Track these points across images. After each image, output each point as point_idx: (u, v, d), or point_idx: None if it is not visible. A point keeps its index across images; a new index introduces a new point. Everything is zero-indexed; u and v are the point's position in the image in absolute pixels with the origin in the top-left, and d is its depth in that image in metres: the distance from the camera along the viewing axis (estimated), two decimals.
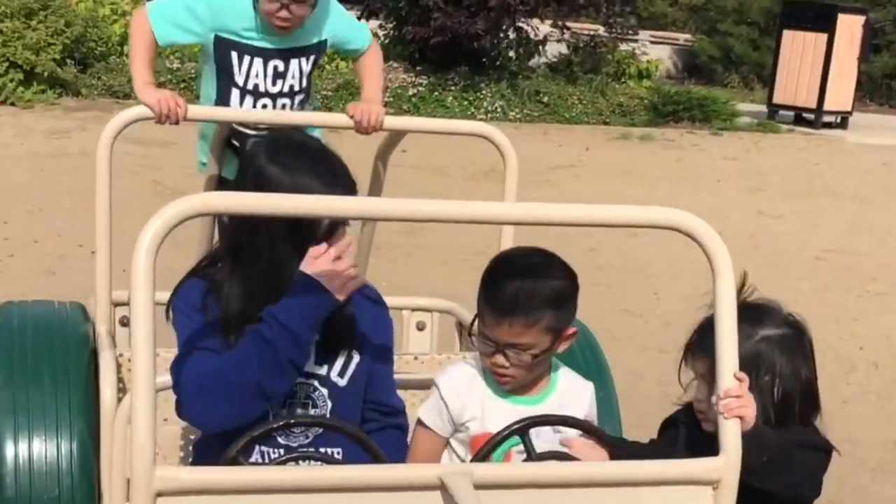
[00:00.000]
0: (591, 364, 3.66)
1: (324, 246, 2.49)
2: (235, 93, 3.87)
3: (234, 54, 3.82)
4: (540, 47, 17.07)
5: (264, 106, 3.86)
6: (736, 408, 2.42)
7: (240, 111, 3.81)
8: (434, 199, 2.31)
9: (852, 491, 4.99)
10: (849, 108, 17.37)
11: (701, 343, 2.77)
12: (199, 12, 3.76)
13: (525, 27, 16.73)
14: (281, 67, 3.86)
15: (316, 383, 2.63)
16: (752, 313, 2.81)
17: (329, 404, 2.63)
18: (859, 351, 7.04)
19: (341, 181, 2.57)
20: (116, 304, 3.70)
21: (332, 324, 2.62)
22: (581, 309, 6.06)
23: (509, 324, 2.60)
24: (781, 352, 2.82)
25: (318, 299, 2.49)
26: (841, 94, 17.03)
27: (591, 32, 17.87)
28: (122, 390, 3.21)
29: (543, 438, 2.66)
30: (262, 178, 2.53)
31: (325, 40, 3.93)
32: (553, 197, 10.50)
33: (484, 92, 15.84)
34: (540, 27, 17.00)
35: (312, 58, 3.93)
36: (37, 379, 3.22)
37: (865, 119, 18.53)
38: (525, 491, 2.36)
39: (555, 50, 17.67)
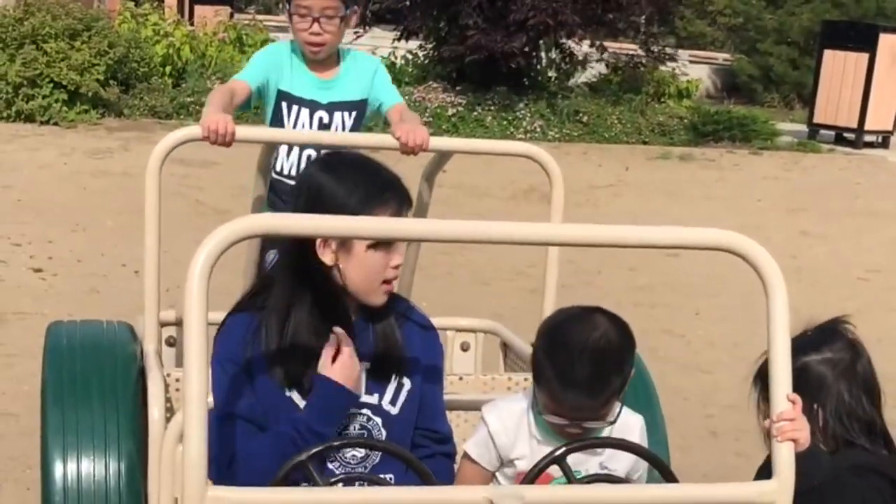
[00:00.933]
0: (639, 387, 3.64)
1: (332, 349, 2.52)
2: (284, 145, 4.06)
3: (283, 105, 4.02)
4: (579, 67, 17.07)
5: (309, 157, 4.02)
6: (789, 431, 2.40)
7: (287, 131, 3.89)
8: (476, 218, 2.32)
9: None
10: (890, 128, 17.24)
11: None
12: (267, 62, 4.04)
13: (568, 44, 16.73)
14: (326, 119, 4.04)
15: (369, 412, 2.63)
16: (813, 335, 2.85)
17: (384, 433, 2.63)
18: None
19: (397, 194, 2.58)
20: (162, 325, 3.73)
21: (383, 352, 2.63)
22: None
23: (590, 406, 2.60)
24: (837, 375, 2.79)
25: (346, 401, 2.55)
26: (882, 113, 16.91)
27: (631, 52, 17.86)
28: (168, 410, 3.22)
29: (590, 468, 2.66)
30: (317, 191, 2.54)
31: (367, 99, 4.09)
32: (593, 217, 10.49)
33: (523, 111, 15.84)
34: (579, 48, 17.01)
35: (354, 114, 4.08)
36: (85, 399, 3.24)
37: None
38: None
39: (594, 70, 17.67)
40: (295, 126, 4.00)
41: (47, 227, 8.87)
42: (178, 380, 3.63)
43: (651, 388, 3.79)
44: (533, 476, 2.51)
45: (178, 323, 3.91)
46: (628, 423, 2.77)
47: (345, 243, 2.54)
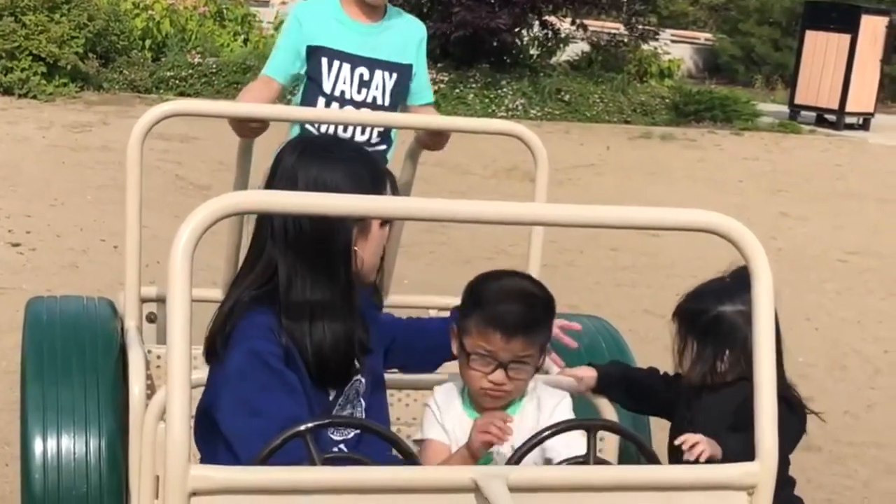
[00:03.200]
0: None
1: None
2: (321, 101, 3.91)
3: (324, 60, 3.88)
4: (562, 45, 17.05)
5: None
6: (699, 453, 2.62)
7: (318, 110, 3.78)
8: (458, 197, 2.31)
9: (879, 495, 4.96)
10: (871, 110, 17.31)
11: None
12: (293, 33, 3.91)
13: (552, 20, 16.69)
14: (366, 76, 3.91)
15: (361, 376, 2.61)
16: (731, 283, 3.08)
17: (369, 394, 2.63)
18: (884, 354, 6.99)
19: (379, 179, 2.55)
20: (143, 301, 3.69)
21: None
22: (604, 309, 6.08)
23: (519, 340, 2.65)
24: (746, 323, 2.97)
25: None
26: (863, 95, 16.97)
27: (613, 31, 17.84)
28: (149, 387, 3.20)
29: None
30: (292, 175, 2.50)
31: (411, 65, 3.98)
32: (574, 196, 10.48)
33: (505, 89, 15.81)
34: (561, 25, 16.98)
35: (395, 76, 3.95)
36: (66, 375, 3.21)
37: (887, 120, 18.45)
38: (559, 494, 2.34)
39: (576, 49, 17.65)
40: (336, 82, 3.88)
41: (25, 202, 8.80)
42: (159, 356, 3.61)
43: (632, 362, 3.79)
44: (518, 457, 2.50)
45: (159, 299, 3.89)
46: (545, 397, 2.80)
47: (364, 226, 2.51)
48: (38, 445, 3.12)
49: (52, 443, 3.13)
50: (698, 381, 3.09)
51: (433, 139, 3.82)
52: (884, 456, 5.38)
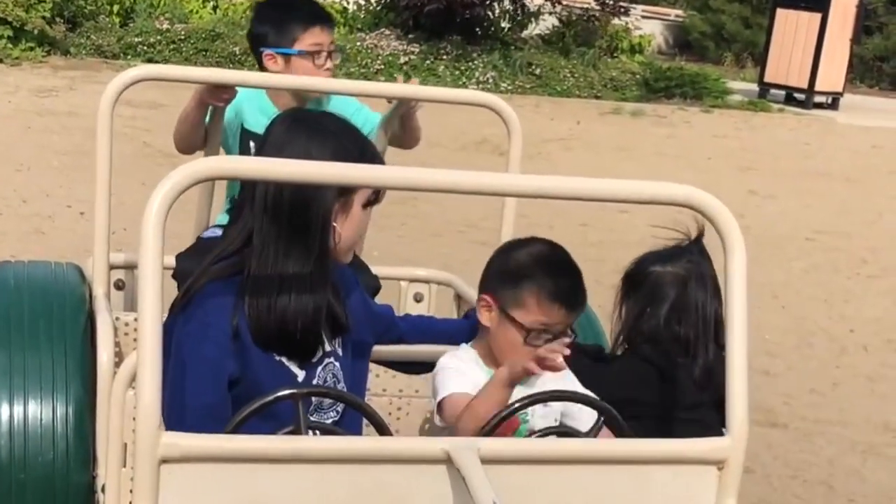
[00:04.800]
0: (590, 341, 3.65)
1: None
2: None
3: (252, 144, 3.81)
4: (533, 19, 17.00)
5: None
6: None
7: (294, 77, 3.67)
8: (428, 168, 2.29)
9: (843, 473, 5.00)
10: (840, 89, 17.36)
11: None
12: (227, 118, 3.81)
13: None
14: None
15: (334, 360, 2.60)
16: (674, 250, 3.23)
17: (341, 377, 2.61)
18: (850, 333, 7.04)
19: (366, 155, 2.53)
20: (111, 268, 3.65)
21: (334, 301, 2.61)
22: None
23: (577, 313, 2.68)
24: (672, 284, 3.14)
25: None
26: (833, 74, 17.02)
27: (584, 6, 17.80)
28: (117, 354, 3.17)
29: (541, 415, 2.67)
30: (280, 144, 2.47)
31: None
32: (545, 170, 10.47)
33: (476, 62, 15.77)
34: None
35: None
36: (33, 341, 3.17)
37: (855, 100, 18.53)
38: (530, 466, 2.34)
39: (547, 22, 17.60)
40: None
41: None
42: (126, 324, 3.58)
43: (603, 341, 3.79)
44: (493, 426, 2.49)
45: (128, 266, 3.85)
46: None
47: (346, 203, 2.48)
48: (4, 411, 3.08)
49: (18, 409, 3.09)
50: (618, 340, 3.23)
51: (405, 137, 3.81)
52: (848, 434, 5.43)
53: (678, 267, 3.19)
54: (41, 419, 3.10)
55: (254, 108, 3.80)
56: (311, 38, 3.76)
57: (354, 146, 2.51)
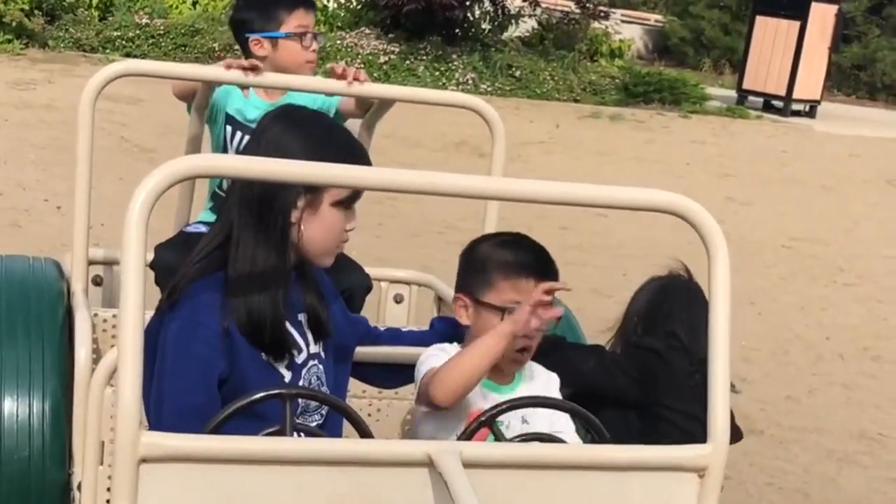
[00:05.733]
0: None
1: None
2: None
3: (229, 129, 3.82)
4: (513, 21, 17.01)
5: None
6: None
7: (280, 75, 3.59)
8: (411, 169, 2.28)
9: (819, 481, 5.01)
10: (818, 97, 17.44)
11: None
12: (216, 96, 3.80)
13: None
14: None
15: (317, 362, 2.59)
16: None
17: (324, 380, 2.60)
18: (826, 341, 7.06)
19: (348, 156, 2.51)
20: (89, 263, 3.62)
21: (314, 302, 2.61)
22: None
23: (549, 281, 2.63)
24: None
25: None
26: (811, 82, 17.09)
27: (564, 9, 17.82)
28: (95, 350, 3.14)
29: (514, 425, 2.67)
30: (279, 147, 2.45)
31: None
32: (524, 173, 10.47)
33: (456, 63, 15.76)
34: (513, 1, 16.94)
35: None
36: (10, 336, 3.14)
37: (833, 109, 18.62)
38: (512, 471, 2.33)
39: (527, 24, 17.61)
40: (238, 151, 3.78)
41: None
42: (105, 320, 3.55)
43: (583, 341, 3.79)
44: (470, 433, 2.49)
45: (107, 262, 3.82)
46: (545, 379, 2.80)
47: (313, 201, 2.46)
48: None
49: None
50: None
51: (358, 107, 3.77)
52: (824, 441, 5.44)
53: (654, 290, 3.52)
54: (17, 415, 3.06)
55: (237, 94, 3.80)
56: (297, 20, 3.78)
57: (352, 149, 2.51)
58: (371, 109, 3.76)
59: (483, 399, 2.65)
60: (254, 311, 2.45)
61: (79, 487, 2.94)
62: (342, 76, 3.45)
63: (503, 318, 2.61)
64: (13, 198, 7.80)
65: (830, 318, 7.59)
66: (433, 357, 2.67)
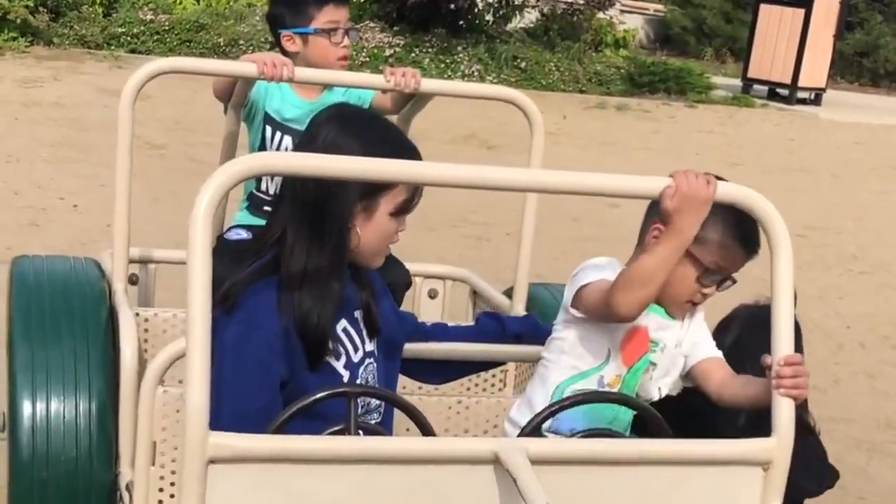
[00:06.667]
0: None
1: None
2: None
3: (269, 129, 3.80)
4: (517, 12, 16.97)
5: None
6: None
7: (341, 73, 3.65)
8: (459, 164, 2.27)
9: (850, 472, 4.98)
10: (823, 85, 17.42)
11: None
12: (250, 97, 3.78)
13: None
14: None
15: (372, 360, 2.58)
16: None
17: (377, 377, 2.59)
18: (846, 330, 7.05)
19: (416, 153, 2.51)
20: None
21: (368, 301, 2.61)
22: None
23: (749, 259, 2.72)
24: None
25: None
26: (816, 70, 17.07)
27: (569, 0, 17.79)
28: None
29: None
30: (331, 144, 2.44)
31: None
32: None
33: (461, 55, 15.73)
34: None
35: None
36: (55, 336, 3.13)
37: (838, 96, 18.60)
38: (579, 467, 2.32)
39: (531, 16, 17.58)
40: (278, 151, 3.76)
41: None
42: (146, 319, 3.54)
43: None
44: (531, 429, 2.48)
45: (143, 261, 3.81)
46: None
47: (369, 207, 2.46)
48: (25, 408, 3.04)
49: (40, 406, 3.04)
50: None
51: (393, 103, 3.76)
52: (852, 431, 5.43)
53: None
54: (64, 416, 3.05)
55: (276, 93, 3.78)
56: (326, 15, 3.76)
57: (408, 148, 2.52)
58: (408, 104, 3.75)
59: (645, 318, 2.66)
60: (310, 313, 2.43)
61: (127, 488, 2.93)
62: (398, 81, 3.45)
63: (701, 276, 2.66)
64: (29, 197, 7.77)
65: (847, 306, 7.58)
66: (597, 269, 2.67)
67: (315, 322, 2.43)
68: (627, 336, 2.69)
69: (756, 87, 17.46)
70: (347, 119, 2.53)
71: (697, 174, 2.40)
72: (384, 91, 3.62)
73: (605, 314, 2.59)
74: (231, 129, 3.77)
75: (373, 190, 2.44)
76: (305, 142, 2.51)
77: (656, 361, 2.73)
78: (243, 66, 3.48)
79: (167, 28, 14.89)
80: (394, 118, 3.77)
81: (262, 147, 3.77)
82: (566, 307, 2.72)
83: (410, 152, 2.51)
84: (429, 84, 3.55)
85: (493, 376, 3.74)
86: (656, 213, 2.61)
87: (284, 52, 3.73)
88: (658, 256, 2.49)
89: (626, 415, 2.73)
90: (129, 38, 14.75)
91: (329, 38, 3.76)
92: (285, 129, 3.75)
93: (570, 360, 2.72)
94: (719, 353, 2.83)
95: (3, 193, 7.76)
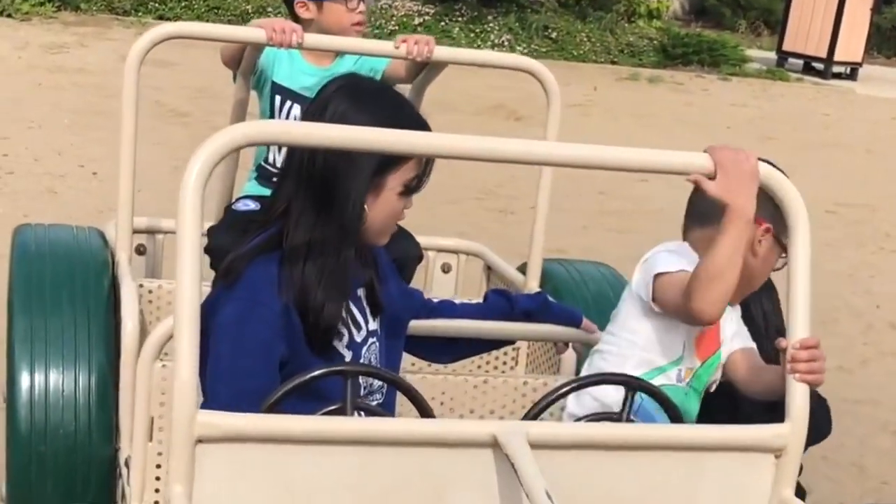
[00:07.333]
0: None
1: None
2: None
3: (278, 99, 3.71)
4: None
5: None
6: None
7: (352, 40, 3.57)
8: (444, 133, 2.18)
9: (875, 454, 4.89)
10: (859, 60, 17.13)
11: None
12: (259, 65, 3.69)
13: None
14: None
15: (375, 339, 2.50)
16: None
17: (380, 357, 2.51)
18: (876, 309, 6.91)
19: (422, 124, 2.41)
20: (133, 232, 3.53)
21: (371, 279, 2.53)
22: (595, 253, 5.92)
23: None
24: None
25: None
26: (852, 44, 16.79)
27: None
28: (140, 322, 3.05)
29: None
30: (340, 117, 2.34)
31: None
32: (563, 137, 10.29)
33: (491, 24, 15.58)
34: None
35: None
36: (55, 307, 3.06)
37: (874, 71, 18.30)
38: (580, 452, 2.23)
39: None
40: (287, 119, 3.68)
41: (3, 123, 8.58)
42: (150, 290, 3.48)
43: None
44: (535, 413, 2.40)
45: (150, 231, 3.74)
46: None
47: (377, 185, 2.37)
48: (24, 380, 2.98)
49: (39, 378, 2.98)
50: None
51: (407, 71, 3.69)
52: (879, 413, 5.32)
53: None
54: (63, 389, 2.99)
55: (284, 61, 3.68)
56: None
57: (420, 124, 2.41)
58: (422, 73, 3.65)
59: None
60: (312, 291, 2.35)
61: (126, 463, 2.87)
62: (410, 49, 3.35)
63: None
64: (49, 163, 7.73)
65: (879, 285, 7.43)
66: (672, 256, 2.60)
67: (316, 301, 2.35)
68: (703, 330, 2.65)
69: (791, 60, 17.20)
70: (357, 91, 2.43)
71: (735, 150, 2.30)
72: (397, 59, 3.52)
73: (688, 318, 2.50)
74: (240, 97, 3.68)
75: (381, 167, 2.35)
76: (314, 112, 2.42)
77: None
78: (251, 32, 3.39)
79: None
80: (407, 87, 3.68)
81: (271, 116, 3.69)
82: (645, 300, 2.63)
83: (423, 128, 2.42)
84: (442, 52, 3.45)
85: (505, 354, 3.65)
86: (761, 213, 2.47)
87: (297, 19, 3.64)
88: (728, 246, 2.36)
89: (694, 405, 2.68)
90: (156, 5, 14.69)
91: (345, 4, 3.67)
92: (295, 97, 3.67)
93: (644, 354, 2.66)
94: (753, 344, 2.75)
95: (23, 159, 7.73)
